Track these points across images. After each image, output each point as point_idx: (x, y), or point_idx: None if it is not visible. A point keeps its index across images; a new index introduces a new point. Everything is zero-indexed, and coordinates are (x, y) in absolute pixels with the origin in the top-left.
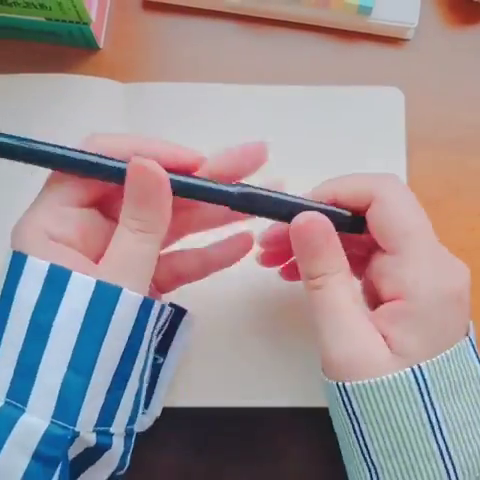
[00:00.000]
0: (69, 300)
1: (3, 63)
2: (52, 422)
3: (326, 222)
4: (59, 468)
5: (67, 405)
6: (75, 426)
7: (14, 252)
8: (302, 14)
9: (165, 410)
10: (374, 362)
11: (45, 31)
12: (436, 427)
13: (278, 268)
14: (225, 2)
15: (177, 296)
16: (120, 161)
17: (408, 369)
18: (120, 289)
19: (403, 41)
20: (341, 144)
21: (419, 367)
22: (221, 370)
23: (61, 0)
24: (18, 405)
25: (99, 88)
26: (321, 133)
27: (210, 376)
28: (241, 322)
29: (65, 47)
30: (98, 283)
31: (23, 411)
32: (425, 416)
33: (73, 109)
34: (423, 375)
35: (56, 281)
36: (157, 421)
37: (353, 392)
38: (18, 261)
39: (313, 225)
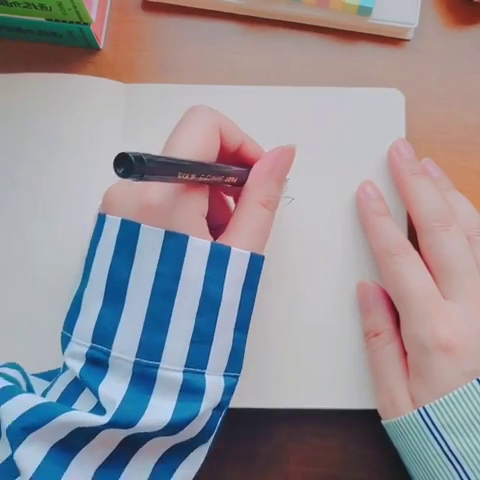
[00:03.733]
0: (232, 273)
1: (3, 63)
2: (225, 375)
3: (374, 287)
4: (225, 410)
5: (237, 359)
6: (239, 373)
7: (168, 232)
8: (302, 14)
9: None
10: (398, 411)
11: (45, 31)
12: (453, 459)
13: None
14: (225, 2)
15: None
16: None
17: (415, 411)
18: (263, 257)
19: (403, 41)
20: (341, 145)
21: (424, 408)
22: None
23: (61, 0)
24: (197, 370)
25: (100, 88)
26: (321, 134)
27: None
28: None
29: (65, 47)
30: (252, 255)
31: (203, 374)
32: (438, 448)
33: (74, 109)
34: (428, 415)
35: (219, 257)
36: None
37: (387, 429)
38: (177, 241)
39: (364, 287)
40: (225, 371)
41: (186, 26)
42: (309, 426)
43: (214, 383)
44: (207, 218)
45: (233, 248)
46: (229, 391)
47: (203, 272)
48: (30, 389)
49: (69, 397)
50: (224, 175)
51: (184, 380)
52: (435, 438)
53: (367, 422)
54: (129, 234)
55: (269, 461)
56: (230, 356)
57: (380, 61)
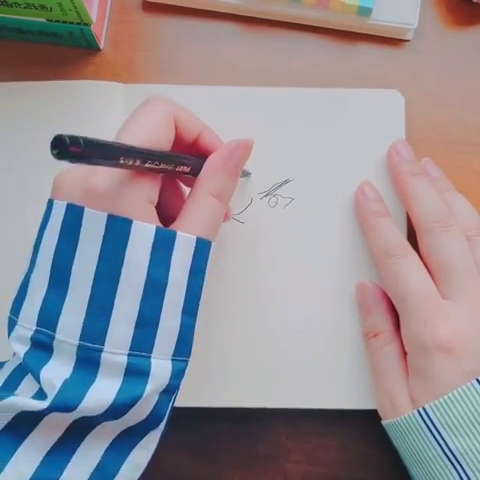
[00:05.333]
0: (178, 256)
1: (3, 64)
2: (172, 359)
3: (373, 287)
4: (174, 395)
5: (185, 343)
6: (188, 358)
7: (111, 215)
8: (302, 15)
9: None
10: (398, 411)
11: (46, 32)
12: (453, 459)
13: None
14: (225, 3)
15: None
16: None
17: (415, 411)
18: (210, 242)
19: (403, 42)
20: (341, 146)
21: (424, 409)
22: (221, 371)
23: (62, 1)
24: (142, 354)
25: (100, 91)
26: (321, 135)
27: (210, 377)
28: (241, 323)
29: (66, 48)
30: (198, 239)
31: (149, 358)
32: (438, 448)
33: (75, 114)
34: (428, 415)
35: (164, 241)
36: None
37: (387, 429)
38: (121, 224)
39: (363, 288)
40: (173, 355)
41: (186, 27)
42: (309, 425)
43: (160, 366)
44: (164, 209)
45: (179, 233)
46: (177, 375)
47: (148, 256)
48: None
49: (13, 382)
50: (175, 163)
51: (128, 363)
52: (435, 438)
53: (367, 421)
54: (74, 218)
55: (268, 460)
56: (178, 340)
57: (380, 62)
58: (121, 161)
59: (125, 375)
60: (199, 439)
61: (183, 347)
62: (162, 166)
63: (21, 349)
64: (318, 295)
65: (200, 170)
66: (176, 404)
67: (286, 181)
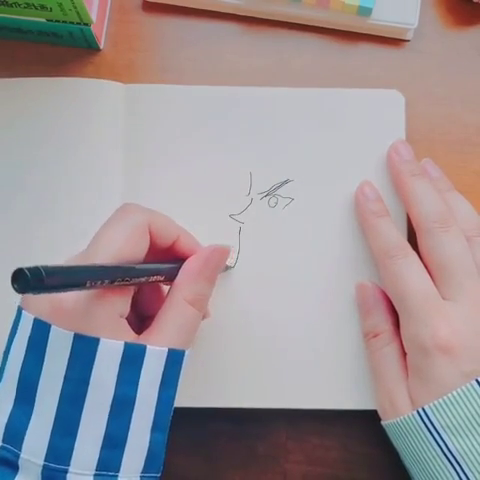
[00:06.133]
0: (147, 372)
1: (3, 64)
2: (141, 477)
3: (372, 288)
4: None
5: (155, 459)
6: (159, 473)
7: (77, 334)
8: (302, 15)
9: None
10: (398, 411)
11: (45, 32)
12: (452, 460)
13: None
14: (225, 3)
15: None
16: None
17: (415, 411)
18: (183, 352)
19: (403, 42)
20: (341, 146)
21: (423, 409)
22: (221, 371)
23: (62, 1)
24: (109, 474)
25: (100, 90)
26: (321, 135)
27: (210, 377)
28: (241, 323)
29: (66, 48)
30: (169, 351)
31: (116, 477)
32: (438, 448)
33: (74, 111)
34: (428, 416)
35: (133, 357)
36: None
37: (387, 430)
38: (87, 344)
39: (363, 288)
40: (142, 472)
41: (186, 27)
42: (309, 425)
43: None
44: (141, 309)
45: (149, 346)
46: None
47: (115, 374)
48: None
49: None
50: (147, 276)
51: None
52: (434, 439)
53: (367, 421)
54: (40, 334)
55: (268, 460)
56: (147, 457)
57: (380, 62)
58: (87, 285)
59: None
60: (199, 439)
61: (152, 463)
62: (133, 280)
63: None
64: (318, 295)
65: (176, 275)
66: (176, 404)
67: (286, 181)
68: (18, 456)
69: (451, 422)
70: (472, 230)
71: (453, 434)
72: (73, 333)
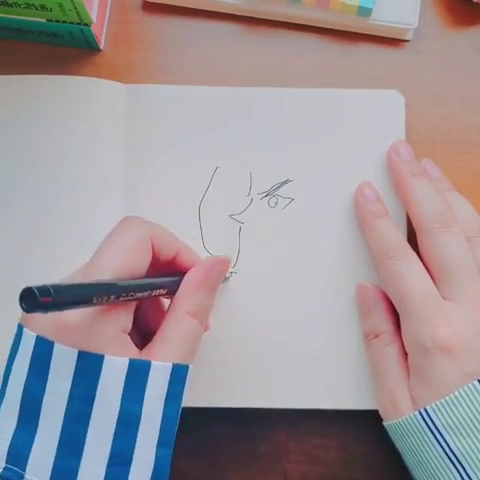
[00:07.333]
0: (153, 388)
1: (3, 64)
2: None
3: (373, 288)
4: None
5: (160, 476)
6: None
7: (81, 352)
8: (302, 15)
9: None
10: (399, 412)
11: (46, 32)
12: (454, 460)
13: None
14: (225, 3)
15: None
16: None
17: (416, 412)
18: (187, 367)
19: (403, 42)
20: (341, 147)
21: (425, 409)
22: (221, 371)
23: (62, 1)
24: None
25: (100, 89)
26: (321, 136)
27: (210, 377)
28: (241, 324)
29: (66, 48)
30: (174, 366)
31: None
32: (440, 449)
33: (74, 110)
34: (429, 416)
35: (138, 373)
36: None
37: (389, 430)
38: (92, 361)
39: (363, 289)
40: None
41: (186, 27)
42: (309, 425)
43: None
44: (141, 323)
45: (153, 362)
46: None
47: (120, 391)
48: None
49: None
50: (150, 290)
51: None
52: (436, 439)
53: (367, 421)
54: (43, 352)
55: (269, 460)
56: (152, 474)
57: (380, 62)
58: (94, 301)
59: None
60: (199, 440)
61: (159, 477)
62: (137, 295)
63: None
64: (318, 295)
65: (177, 288)
66: None
67: (286, 181)
68: (22, 477)
69: (453, 422)
70: (472, 230)
71: (455, 434)
72: (77, 350)
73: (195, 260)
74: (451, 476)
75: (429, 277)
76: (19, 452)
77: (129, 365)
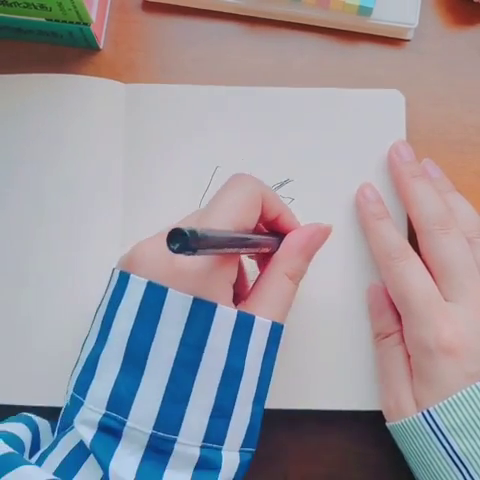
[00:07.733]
0: (254, 342)
1: (3, 63)
2: (241, 451)
3: (384, 289)
4: None
5: (253, 434)
6: (254, 449)
7: (196, 299)
8: (302, 15)
9: None
10: (402, 413)
11: (45, 32)
12: (458, 462)
13: None
14: (226, 3)
15: None
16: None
17: (419, 413)
18: (282, 326)
19: (403, 42)
20: (341, 146)
21: (428, 411)
22: None
23: (61, 1)
24: (214, 446)
25: (100, 88)
26: (322, 135)
27: None
28: None
29: (65, 48)
30: (273, 323)
31: (220, 450)
32: (443, 450)
33: (74, 109)
34: (433, 418)
35: (243, 326)
36: None
37: (392, 431)
38: (206, 309)
39: (376, 289)
40: (241, 447)
41: (186, 26)
42: (309, 425)
43: (230, 459)
44: None
45: (257, 317)
46: (243, 467)
47: (228, 343)
48: (36, 445)
49: (71, 466)
50: (260, 247)
51: (201, 456)
52: (439, 441)
53: (367, 421)
54: (155, 298)
55: (269, 461)
56: (247, 431)
57: (380, 61)
58: (224, 250)
59: (196, 468)
60: None
61: (251, 438)
62: (250, 250)
63: (87, 434)
64: (319, 297)
65: (275, 249)
66: None
67: (286, 181)
68: (124, 424)
69: (456, 423)
70: (473, 231)
71: (458, 435)
72: (192, 297)
73: (295, 224)
74: (454, 477)
75: (431, 278)
76: (121, 399)
77: (237, 317)
